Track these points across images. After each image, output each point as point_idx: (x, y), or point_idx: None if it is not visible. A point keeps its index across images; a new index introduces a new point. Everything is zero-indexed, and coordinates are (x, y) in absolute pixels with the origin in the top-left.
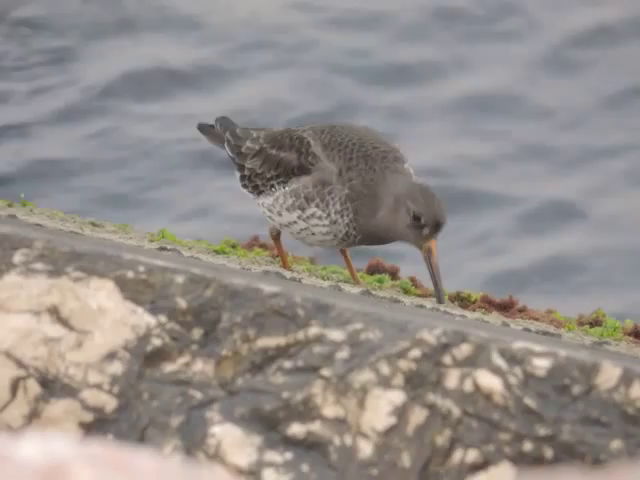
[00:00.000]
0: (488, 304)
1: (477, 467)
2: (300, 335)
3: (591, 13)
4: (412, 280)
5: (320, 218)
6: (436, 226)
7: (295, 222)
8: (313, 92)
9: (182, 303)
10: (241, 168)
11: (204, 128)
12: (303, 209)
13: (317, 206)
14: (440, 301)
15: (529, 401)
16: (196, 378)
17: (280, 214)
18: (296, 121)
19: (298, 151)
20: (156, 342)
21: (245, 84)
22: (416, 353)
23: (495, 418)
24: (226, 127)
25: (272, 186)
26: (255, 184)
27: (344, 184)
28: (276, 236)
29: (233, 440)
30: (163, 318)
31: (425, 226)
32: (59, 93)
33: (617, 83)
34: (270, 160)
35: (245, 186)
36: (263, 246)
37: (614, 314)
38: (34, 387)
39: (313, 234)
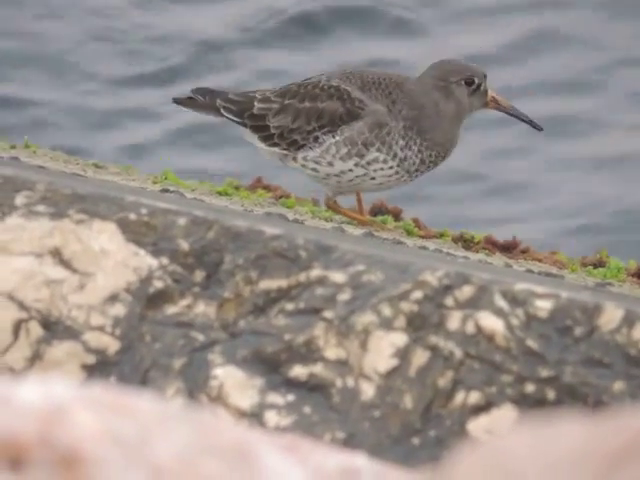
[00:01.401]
0: (492, 245)
1: (479, 409)
2: (302, 277)
3: None
4: (415, 221)
5: (385, 161)
6: (484, 76)
7: (351, 170)
8: None
9: (184, 245)
10: (262, 128)
11: (183, 101)
12: (362, 155)
13: (379, 150)
14: (539, 128)
15: (531, 343)
16: (198, 320)
17: (332, 164)
18: None
19: (340, 99)
20: (158, 284)
21: None
22: (418, 295)
23: (497, 360)
24: (212, 96)
25: (316, 138)
26: (292, 139)
27: (397, 119)
28: (334, 203)
29: (235, 382)
30: (165, 260)
31: (480, 83)
32: None
33: None
34: (304, 113)
35: (275, 144)
36: (266, 188)
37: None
38: (36, 329)
39: (373, 179)
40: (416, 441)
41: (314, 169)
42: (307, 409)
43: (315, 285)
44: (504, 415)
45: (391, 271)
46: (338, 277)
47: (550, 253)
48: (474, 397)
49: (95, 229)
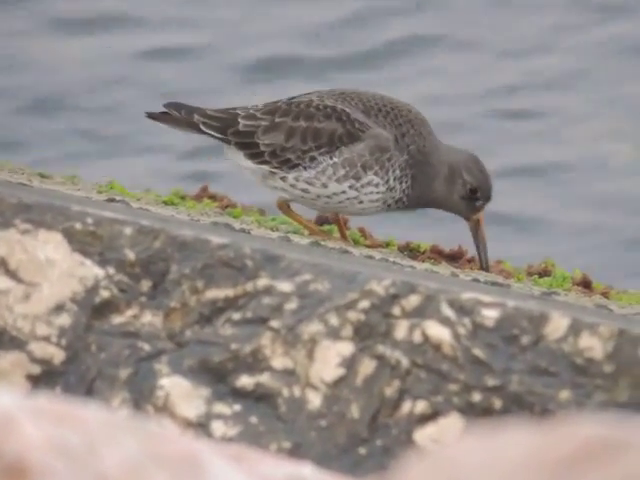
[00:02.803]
0: (438, 254)
1: (426, 418)
2: (249, 286)
3: None
4: (361, 231)
5: (377, 185)
6: (488, 199)
7: (344, 192)
8: None
9: (130, 255)
10: (250, 146)
11: (157, 116)
12: (358, 178)
13: (376, 174)
14: (487, 270)
15: (478, 351)
16: (144, 330)
17: (325, 185)
18: None
19: (339, 120)
20: (104, 294)
21: None
22: (365, 304)
23: (444, 369)
24: (188, 111)
25: (313, 158)
26: (285, 158)
27: (402, 151)
28: (288, 207)
29: (181, 392)
30: (111, 270)
31: (479, 199)
32: None
33: None
34: (299, 132)
35: (265, 162)
36: (212, 197)
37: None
38: None
39: (361, 202)
40: (363, 451)
41: (305, 190)
42: (254, 419)
43: (262, 294)
44: (451, 424)
45: (338, 280)
46: (285, 286)
47: (496, 262)
48: (421, 406)
49: (41, 239)
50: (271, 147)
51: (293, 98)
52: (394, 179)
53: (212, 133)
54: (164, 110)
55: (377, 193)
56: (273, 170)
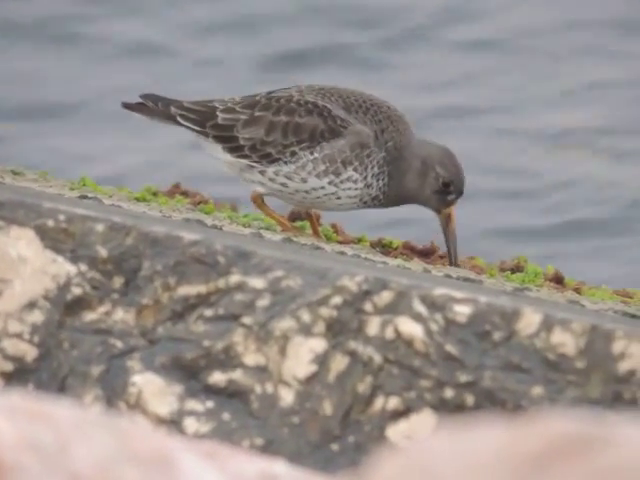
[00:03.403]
0: (410, 250)
1: (398, 414)
2: (221, 283)
3: None
4: (333, 227)
5: (355, 181)
6: (461, 193)
7: (322, 187)
8: None
9: (102, 251)
10: (229, 139)
11: (133, 107)
12: (338, 174)
13: (355, 170)
14: (456, 264)
15: (450, 348)
16: (117, 327)
17: (305, 180)
18: None
19: (320, 115)
20: (76, 291)
21: None
22: (337, 300)
23: (416, 365)
24: (165, 103)
25: (294, 153)
26: (265, 152)
27: (381, 147)
28: (262, 201)
29: (154, 389)
30: (83, 267)
31: (451, 193)
32: None
33: None
34: (280, 126)
35: (245, 156)
36: (184, 194)
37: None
38: None
39: (338, 198)
40: (335, 447)
41: (283, 184)
42: (226, 416)
43: (234, 291)
44: (423, 420)
45: (310, 277)
46: (257, 283)
47: (468, 258)
48: (393, 402)
49: (13, 236)
50: (251, 141)
51: (271, 92)
52: (372, 176)
53: (190, 125)
54: (140, 101)
55: (355, 189)
56: (252, 164)
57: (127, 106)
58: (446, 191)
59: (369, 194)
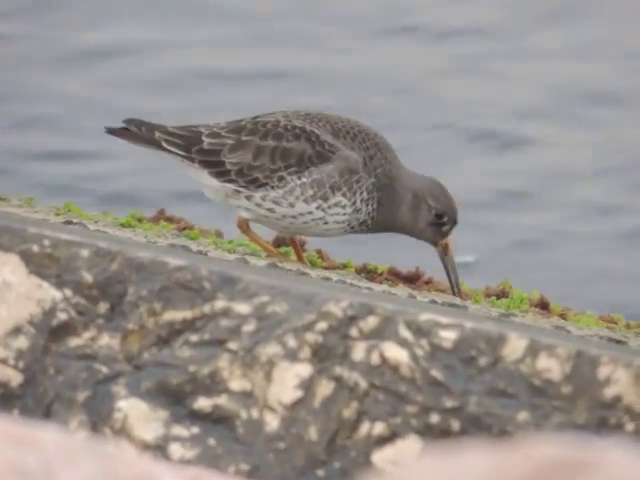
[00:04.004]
0: (395, 276)
1: (384, 440)
2: (206, 308)
3: None
4: (318, 252)
5: (344, 207)
6: (454, 223)
7: (310, 212)
8: None
9: (88, 277)
10: (215, 164)
11: (117, 132)
12: (326, 199)
13: (344, 195)
14: (459, 296)
15: (436, 373)
16: (102, 352)
17: (292, 205)
18: None
19: (308, 140)
20: (62, 316)
21: None
22: (323, 326)
23: (402, 390)
24: (149, 128)
25: (281, 178)
26: (253, 177)
27: (370, 173)
28: (247, 227)
29: (139, 414)
30: (69, 292)
31: (445, 224)
32: None
33: None
34: (268, 151)
35: (231, 181)
36: (169, 219)
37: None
38: None
39: (326, 223)
40: (321, 473)
41: (270, 209)
42: (212, 441)
43: (219, 316)
44: (409, 446)
45: (296, 302)
46: (242, 308)
47: None
48: (379, 428)
49: None
50: (238, 165)
51: (257, 117)
52: (361, 201)
53: (175, 150)
54: (124, 126)
55: (343, 214)
56: (238, 189)
57: (111, 131)
58: (440, 222)
59: (357, 219)
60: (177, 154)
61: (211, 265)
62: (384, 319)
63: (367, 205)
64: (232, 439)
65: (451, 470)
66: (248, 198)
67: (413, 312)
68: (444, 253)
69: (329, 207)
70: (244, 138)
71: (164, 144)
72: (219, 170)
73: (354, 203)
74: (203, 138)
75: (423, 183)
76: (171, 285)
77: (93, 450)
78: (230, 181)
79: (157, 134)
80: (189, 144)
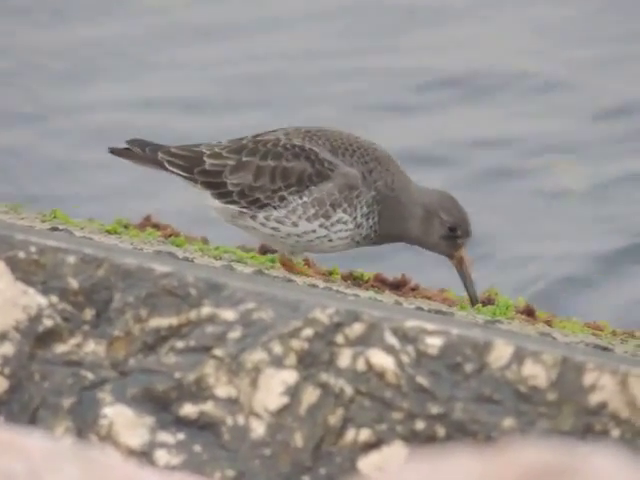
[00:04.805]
0: (381, 283)
1: (370, 446)
2: (192, 315)
3: None
4: (305, 260)
5: (345, 223)
6: (468, 234)
7: (314, 231)
8: None
9: (74, 283)
10: (217, 185)
11: (120, 152)
12: (328, 217)
13: (344, 211)
14: (477, 304)
15: (421, 380)
16: (88, 359)
17: (296, 224)
18: None
19: (308, 159)
20: (47, 323)
21: None
22: (309, 332)
23: (387, 397)
24: (152, 148)
25: (283, 198)
26: (254, 198)
27: (369, 187)
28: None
29: (125, 421)
30: (55, 298)
31: (459, 237)
32: None
33: None
34: (268, 171)
35: (233, 202)
36: (155, 226)
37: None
38: None
39: (330, 240)
40: (306, 479)
41: (275, 228)
42: (197, 447)
43: (205, 323)
44: (394, 452)
45: (282, 309)
46: (228, 315)
47: (439, 291)
48: (364, 434)
49: None
50: (239, 187)
51: (258, 135)
52: (361, 215)
53: (177, 171)
54: (127, 147)
55: (346, 230)
56: (242, 210)
57: (114, 151)
58: (454, 235)
59: (360, 234)
60: (180, 175)
61: (197, 272)
62: (370, 326)
63: (368, 219)
64: (218, 445)
65: (436, 476)
66: (253, 218)
67: (399, 319)
68: (460, 265)
69: (332, 225)
70: (245, 159)
71: (167, 165)
72: (221, 191)
73: (355, 218)
74: (205, 159)
75: (433, 197)
76: (157, 292)
77: (78, 456)
78: (232, 202)
79: (160, 155)
80: (191, 165)
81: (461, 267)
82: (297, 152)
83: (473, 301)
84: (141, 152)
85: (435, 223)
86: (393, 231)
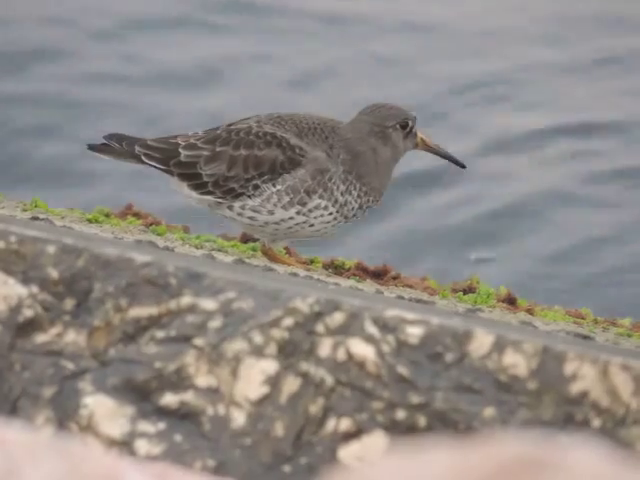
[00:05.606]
0: (362, 272)
1: (350, 436)
2: (172, 304)
3: None
4: (286, 248)
5: (326, 208)
6: (414, 118)
7: (291, 218)
8: None
9: (54, 273)
10: (192, 177)
11: (98, 148)
12: (304, 204)
13: (321, 197)
14: (463, 165)
15: (402, 369)
16: (68, 349)
17: (272, 212)
18: None
19: (279, 146)
20: (28, 313)
21: None
22: (289, 322)
23: (368, 386)
24: (129, 142)
25: (256, 186)
26: (229, 188)
27: (336, 163)
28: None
29: (105, 411)
30: (35, 288)
31: (412, 126)
32: None
33: None
34: (241, 161)
35: (209, 193)
36: (136, 215)
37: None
38: None
39: (312, 225)
40: (287, 469)
41: (252, 217)
42: (178, 437)
43: (186, 313)
44: (375, 442)
45: (262, 298)
46: (209, 304)
47: (421, 279)
48: (345, 424)
49: None
50: (214, 177)
51: (232, 124)
52: (341, 194)
53: (154, 164)
54: (104, 142)
55: (329, 214)
56: (218, 200)
57: (92, 147)
58: (409, 129)
59: (350, 209)
60: (157, 168)
61: (177, 261)
62: (350, 315)
63: (351, 192)
64: (198, 435)
65: (417, 466)
66: (230, 208)
67: (379, 308)
68: (426, 145)
69: (309, 211)
70: (218, 149)
71: (144, 158)
72: (197, 183)
73: (336, 201)
74: (180, 150)
75: (364, 118)
76: (137, 281)
77: (58, 447)
78: (208, 193)
79: (137, 148)
80: (167, 157)
81: (429, 145)
82: (269, 140)
83: (459, 163)
84: (119, 147)
85: (391, 135)
86: (378, 177)
